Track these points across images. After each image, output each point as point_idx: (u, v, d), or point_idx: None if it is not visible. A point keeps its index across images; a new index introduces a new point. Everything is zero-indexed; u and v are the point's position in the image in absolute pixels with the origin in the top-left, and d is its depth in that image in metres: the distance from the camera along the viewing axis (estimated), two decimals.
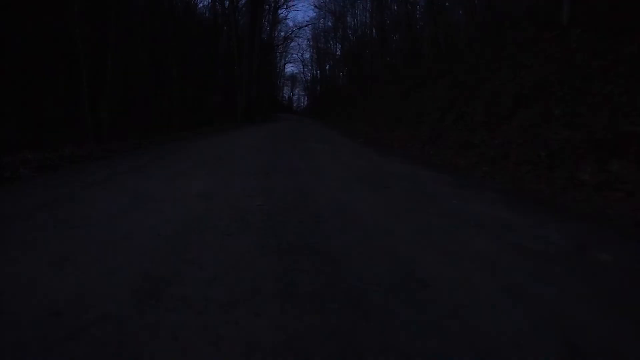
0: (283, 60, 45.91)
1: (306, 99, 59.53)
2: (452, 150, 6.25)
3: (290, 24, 60.74)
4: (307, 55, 53.47)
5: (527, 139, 5.02)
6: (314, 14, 63.98)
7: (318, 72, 44.19)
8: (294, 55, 63.84)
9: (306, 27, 40.35)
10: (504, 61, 8.39)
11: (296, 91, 64.27)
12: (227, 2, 22.07)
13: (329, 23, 37.18)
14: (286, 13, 47.69)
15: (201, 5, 27.90)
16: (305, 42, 58.24)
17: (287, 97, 62.15)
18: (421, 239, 2.21)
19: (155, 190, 3.24)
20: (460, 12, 18.82)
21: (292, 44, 43.38)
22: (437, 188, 3.65)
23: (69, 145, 4.60)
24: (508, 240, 2.17)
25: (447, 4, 18.71)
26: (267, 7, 26.11)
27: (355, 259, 1.85)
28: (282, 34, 37.61)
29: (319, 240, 2.12)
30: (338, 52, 35.94)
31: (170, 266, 1.71)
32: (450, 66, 12.41)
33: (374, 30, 26.38)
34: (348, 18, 32.34)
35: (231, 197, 3.09)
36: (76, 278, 1.55)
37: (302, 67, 65.72)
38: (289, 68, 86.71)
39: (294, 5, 57.03)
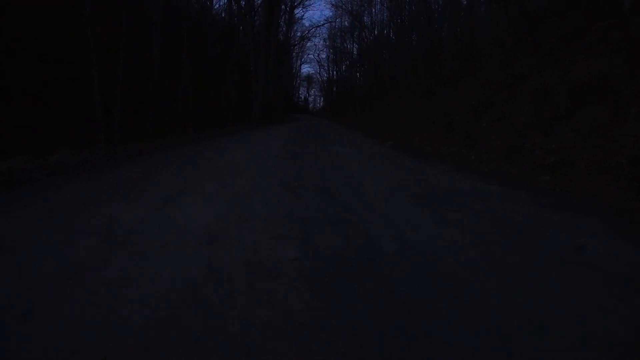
0: (299, 61, 45.55)
1: (322, 99, 59.06)
2: (496, 155, 5.50)
3: (307, 24, 60.28)
4: (324, 56, 53.05)
5: (595, 142, 4.26)
6: (331, 13, 63.51)
7: (335, 72, 43.57)
8: (310, 56, 63.60)
9: (323, 27, 39.88)
10: (546, 56, 7.58)
11: (312, 92, 63.86)
12: (244, 2, 21.72)
13: (346, 23, 36.59)
14: (302, 13, 47.35)
15: (217, 6, 27.73)
16: (321, 42, 57.90)
17: (303, 97, 61.79)
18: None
19: (137, 225, 2.28)
20: (482, 8, 17.98)
21: (309, 44, 43.08)
22: (517, 211, 2.78)
23: (66, 150, 4.07)
24: None
25: None
26: (283, 7, 25.69)
27: None
28: (299, 34, 37.22)
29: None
30: (355, 52, 35.27)
31: None
32: (478, 63, 11.60)
33: (391, 29, 25.63)
34: (365, 17, 31.65)
35: (248, 239, 2.06)
36: None
37: (318, 67, 65.38)
38: (305, 68, 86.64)
39: (310, 5, 56.59)
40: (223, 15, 23.10)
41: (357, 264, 1.78)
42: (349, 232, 2.24)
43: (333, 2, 40.39)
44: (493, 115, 7.11)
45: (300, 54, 42.74)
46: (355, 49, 35.23)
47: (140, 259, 1.80)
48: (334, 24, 38.01)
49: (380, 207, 2.85)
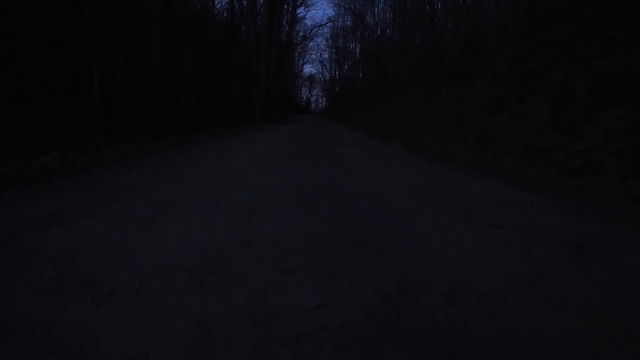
0: (301, 61, 45.25)
1: (324, 99, 58.77)
2: (513, 157, 5.19)
3: (309, 23, 60.00)
4: (326, 56, 52.79)
5: (625, 143, 3.94)
6: (333, 12, 63.25)
7: (337, 72, 43.29)
8: (313, 56, 63.47)
9: (325, 27, 39.63)
10: (561, 52, 7.26)
11: (314, 92, 63.60)
12: (246, 1, 21.47)
13: (348, 22, 36.33)
14: (305, 12, 47.00)
15: (219, 5, 27.51)
16: (323, 42, 57.64)
17: (305, 98, 61.52)
18: None
19: (108, 255, 1.79)
20: (487, 7, 17.65)
21: (311, 44, 42.82)
22: (565, 225, 2.38)
23: (55, 151, 3.77)
24: None
25: None
26: (285, 6, 25.40)
27: None
28: (301, 34, 36.96)
29: None
30: (357, 52, 34.99)
31: None
32: (487, 61, 11.28)
33: (395, 28, 25.32)
34: (368, 17, 31.37)
35: (252, 276, 1.61)
36: None
37: (320, 67, 65.13)
38: (307, 68, 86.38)
39: (313, 5, 56.32)
40: (225, 15, 22.87)
41: (404, 313, 1.34)
42: (380, 261, 1.78)
43: (336, 2, 40.20)
44: (506, 115, 6.80)
45: (302, 53, 42.49)
46: (357, 49, 34.99)
47: (100, 312, 1.30)
48: (336, 23, 37.80)
49: (409, 222, 2.41)
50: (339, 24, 37.62)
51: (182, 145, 6.78)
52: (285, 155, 5.74)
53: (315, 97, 65.23)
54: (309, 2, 38.66)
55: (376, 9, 30.53)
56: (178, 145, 6.63)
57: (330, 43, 41.81)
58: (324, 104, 59.69)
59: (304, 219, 2.42)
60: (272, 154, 5.88)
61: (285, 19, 28.02)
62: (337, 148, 7.12)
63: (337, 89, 43.61)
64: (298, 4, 29.32)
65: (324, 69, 51.49)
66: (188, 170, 4.25)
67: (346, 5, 33.31)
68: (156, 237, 2.04)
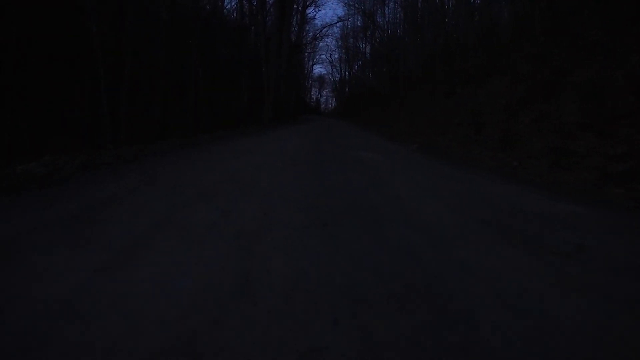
0: (311, 62, 45.00)
1: (334, 100, 58.48)
2: (542, 160, 4.78)
3: (319, 24, 59.81)
4: (336, 56, 52.47)
5: None
6: (343, 12, 62.99)
7: (347, 72, 42.93)
8: (322, 56, 63.24)
9: (335, 26, 39.30)
10: (590, 48, 6.79)
11: (324, 92, 63.34)
12: (255, 1, 21.28)
13: (358, 23, 35.96)
14: (315, 12, 46.72)
15: (228, 6, 27.44)
16: (333, 42, 57.38)
17: (314, 98, 61.27)
18: None
19: (53, 315, 1.29)
20: (502, 2, 17.10)
21: (321, 44, 42.52)
22: None
23: (47, 154, 3.49)
24: None
25: None
26: (295, 6, 25.17)
27: None
28: (310, 34, 36.70)
29: None
30: (368, 52, 34.59)
31: None
32: (505, 59, 10.80)
33: (405, 27, 24.86)
34: (378, 17, 30.96)
35: None
36: None
37: (330, 68, 64.90)
38: (317, 69, 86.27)
39: (322, 5, 56.10)
40: (234, 15, 22.73)
41: None
42: (441, 327, 1.29)
43: (346, 1, 39.90)
44: (531, 115, 6.36)
45: (312, 54, 42.22)
46: (368, 49, 34.58)
47: None
48: (346, 23, 37.47)
49: (460, 253, 1.93)
50: (349, 23, 37.31)
51: (186, 147, 6.31)
52: (297, 160, 5.27)
53: (324, 97, 65.00)
54: (319, 2, 38.35)
55: (386, 8, 30.14)
56: (181, 147, 6.18)
57: (340, 43, 41.51)
58: (333, 104, 59.43)
59: (326, 251, 1.91)
60: (282, 159, 5.37)
61: (295, 19, 27.80)
62: (352, 151, 6.69)
63: (347, 89, 43.24)
64: (308, 3, 29.04)
65: (334, 70, 51.25)
66: (186, 179, 3.67)
67: (356, 5, 32.98)
68: (125, 285, 1.49)
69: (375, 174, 4.30)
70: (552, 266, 1.79)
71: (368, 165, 4.96)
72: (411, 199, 3.15)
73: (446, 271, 1.73)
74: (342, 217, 2.51)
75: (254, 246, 1.96)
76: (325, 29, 44.51)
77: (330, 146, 7.65)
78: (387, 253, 1.92)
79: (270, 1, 21.66)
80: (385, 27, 30.31)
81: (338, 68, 47.28)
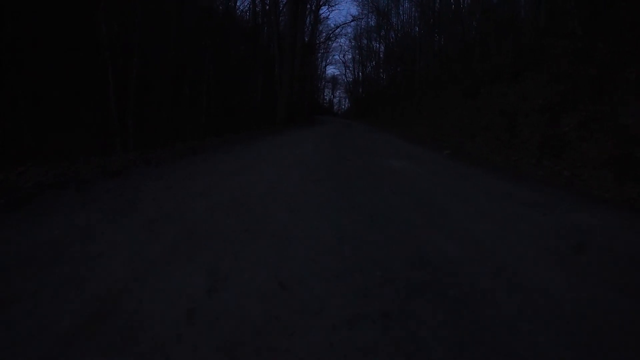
0: (324, 62, 44.50)
1: (347, 101, 57.84)
2: (601, 170, 4.11)
3: (332, 24, 59.35)
4: (349, 56, 51.89)
5: None
6: (357, 12, 62.45)
7: (360, 73, 42.27)
8: (336, 57, 62.78)
9: (348, 26, 38.77)
10: None
11: (337, 93, 62.76)
12: (268, 2, 20.90)
13: (372, 22, 35.31)
14: (328, 12, 46.19)
15: (241, 7, 27.16)
16: (347, 42, 56.83)
17: (328, 99, 60.78)
18: None
19: None
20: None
21: (334, 44, 41.99)
22: None
23: (28, 163, 3.04)
24: None
25: None
26: (308, 6, 24.70)
27: None
28: (324, 34, 36.22)
29: None
30: (381, 52, 33.89)
31: None
32: (539, 56, 10.03)
33: (422, 25, 24.10)
34: (392, 16, 30.26)
35: None
36: None
37: (343, 68, 64.36)
38: (330, 70, 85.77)
39: (336, 5, 55.64)
40: (247, 16, 22.40)
41: None
42: None
43: (359, 0, 39.27)
44: (578, 117, 5.67)
45: (325, 55, 41.72)
46: (382, 49, 33.88)
47: None
48: (360, 23, 36.87)
49: None
50: (363, 23, 36.69)
51: (187, 156, 5.53)
52: (319, 174, 4.36)
53: (337, 98, 64.41)
54: (332, 2, 37.87)
55: (401, 7, 29.42)
56: (180, 158, 5.36)
57: (353, 43, 40.93)
58: (347, 105, 58.79)
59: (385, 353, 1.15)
60: (301, 172, 4.44)
61: (308, 20, 27.35)
62: (380, 159, 5.95)
63: (360, 90, 42.57)
64: (321, 3, 28.58)
65: (347, 70, 50.63)
66: (171, 206, 2.75)
67: (370, 4, 32.36)
68: None
69: (424, 197, 3.43)
70: None
71: (407, 181, 4.20)
72: (475, 232, 2.36)
73: None
74: (406, 293, 1.58)
75: (260, 336, 1.15)
76: (338, 29, 43.95)
77: (353, 152, 6.90)
78: None
79: (283, 1, 21.28)
80: (400, 25, 29.60)
81: (351, 68, 46.70)
